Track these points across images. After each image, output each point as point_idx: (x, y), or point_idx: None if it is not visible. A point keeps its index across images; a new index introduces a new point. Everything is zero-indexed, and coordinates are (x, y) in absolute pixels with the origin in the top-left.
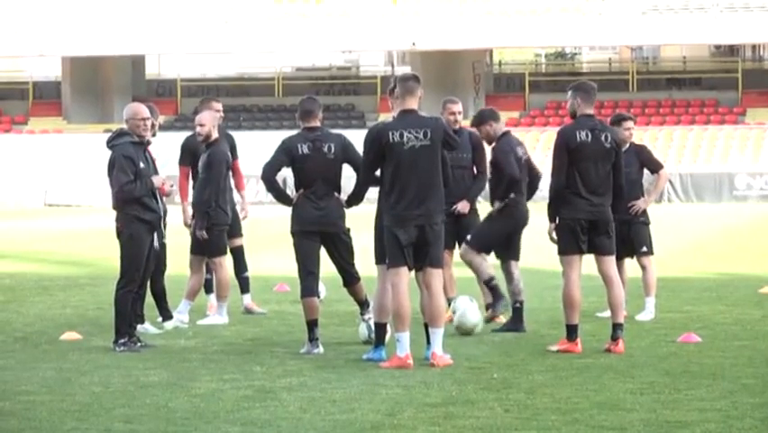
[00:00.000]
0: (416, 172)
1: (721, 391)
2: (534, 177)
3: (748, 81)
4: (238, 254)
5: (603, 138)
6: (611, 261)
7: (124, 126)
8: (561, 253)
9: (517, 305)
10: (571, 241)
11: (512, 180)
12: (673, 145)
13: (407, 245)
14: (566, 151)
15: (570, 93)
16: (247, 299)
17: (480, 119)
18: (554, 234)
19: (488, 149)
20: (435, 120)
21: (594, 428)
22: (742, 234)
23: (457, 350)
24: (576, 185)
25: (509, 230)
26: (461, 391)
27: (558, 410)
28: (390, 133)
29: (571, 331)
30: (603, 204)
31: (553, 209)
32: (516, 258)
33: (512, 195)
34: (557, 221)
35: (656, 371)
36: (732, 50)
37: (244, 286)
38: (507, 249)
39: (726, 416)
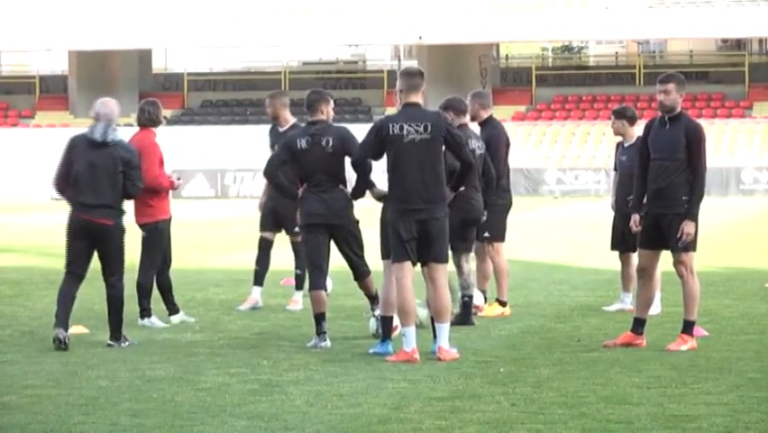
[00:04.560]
0: (416, 166)
1: (728, 385)
2: (488, 174)
3: (755, 75)
4: (298, 251)
5: None
6: None
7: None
8: (694, 248)
9: (466, 299)
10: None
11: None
12: None
13: (409, 240)
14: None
15: (672, 85)
16: (297, 296)
17: (445, 106)
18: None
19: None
20: (437, 115)
21: (601, 422)
22: (749, 228)
23: (464, 344)
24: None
25: (460, 223)
26: (468, 385)
27: (565, 405)
28: (391, 126)
29: (640, 324)
30: None
31: (699, 207)
32: (469, 251)
33: (462, 188)
34: (691, 218)
35: (663, 365)
36: (739, 44)
37: (298, 283)
38: (460, 242)
39: (733, 410)
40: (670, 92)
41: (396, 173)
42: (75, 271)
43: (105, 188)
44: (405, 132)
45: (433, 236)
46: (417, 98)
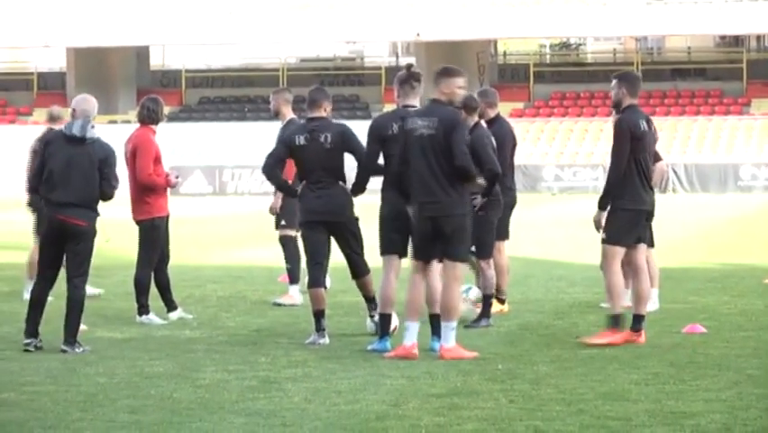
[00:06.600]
0: (424, 161)
1: (726, 382)
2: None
3: (753, 72)
4: (285, 244)
5: (652, 129)
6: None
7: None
8: (614, 242)
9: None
10: (631, 232)
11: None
12: (678, 136)
13: (423, 237)
14: (630, 139)
15: (615, 82)
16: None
17: (466, 104)
18: (602, 222)
19: None
20: (445, 110)
21: (599, 419)
22: (747, 224)
23: (462, 341)
24: (640, 175)
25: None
26: (466, 381)
27: (563, 401)
28: (394, 123)
29: (638, 320)
30: (653, 195)
31: (609, 198)
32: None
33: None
34: (610, 209)
35: (661, 362)
36: (737, 41)
37: (292, 277)
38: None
39: (731, 406)
40: (613, 88)
41: (405, 169)
42: (47, 274)
43: (78, 185)
44: (412, 127)
45: (447, 234)
46: (414, 101)
